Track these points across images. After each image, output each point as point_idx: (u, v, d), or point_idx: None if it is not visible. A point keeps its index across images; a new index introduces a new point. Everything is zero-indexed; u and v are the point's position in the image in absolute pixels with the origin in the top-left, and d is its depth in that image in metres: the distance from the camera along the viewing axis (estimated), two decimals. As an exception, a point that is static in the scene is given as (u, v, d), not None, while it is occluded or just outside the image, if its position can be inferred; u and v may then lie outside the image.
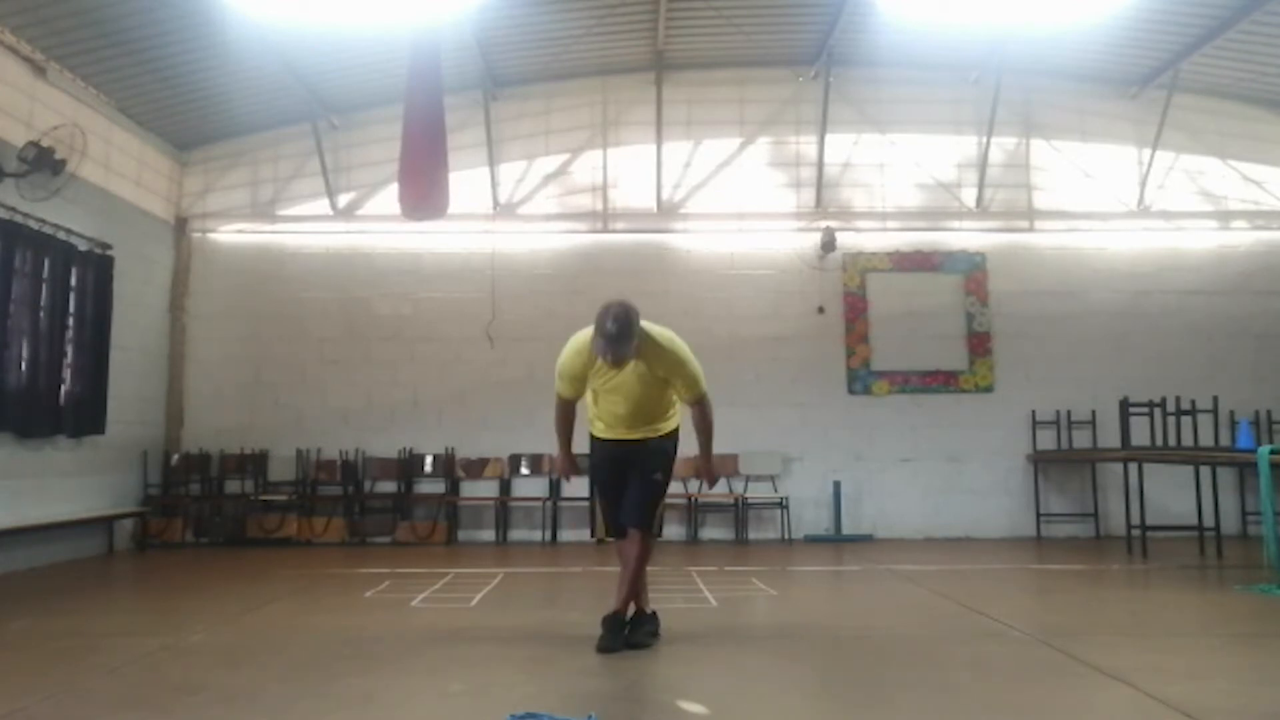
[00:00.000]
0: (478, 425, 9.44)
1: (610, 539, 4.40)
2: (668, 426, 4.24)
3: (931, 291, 9.71)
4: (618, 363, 3.92)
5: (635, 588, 4.16)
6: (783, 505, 9.07)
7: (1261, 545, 6.24)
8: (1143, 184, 9.84)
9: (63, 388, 7.67)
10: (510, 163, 9.85)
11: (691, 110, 9.88)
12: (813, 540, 9.13)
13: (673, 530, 9.21)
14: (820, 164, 9.72)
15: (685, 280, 9.62)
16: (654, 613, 4.30)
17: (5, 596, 5.89)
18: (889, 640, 4.32)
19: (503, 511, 9.30)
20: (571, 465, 4.43)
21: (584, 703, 3.09)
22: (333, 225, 9.77)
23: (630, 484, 4.17)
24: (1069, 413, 9.41)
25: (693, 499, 9.11)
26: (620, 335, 3.83)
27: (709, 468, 4.34)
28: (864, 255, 9.76)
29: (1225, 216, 9.92)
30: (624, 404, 4.13)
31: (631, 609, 4.18)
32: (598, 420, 4.30)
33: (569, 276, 9.61)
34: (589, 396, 4.28)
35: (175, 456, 9.24)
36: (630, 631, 4.08)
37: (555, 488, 9.31)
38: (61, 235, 7.64)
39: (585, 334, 4.04)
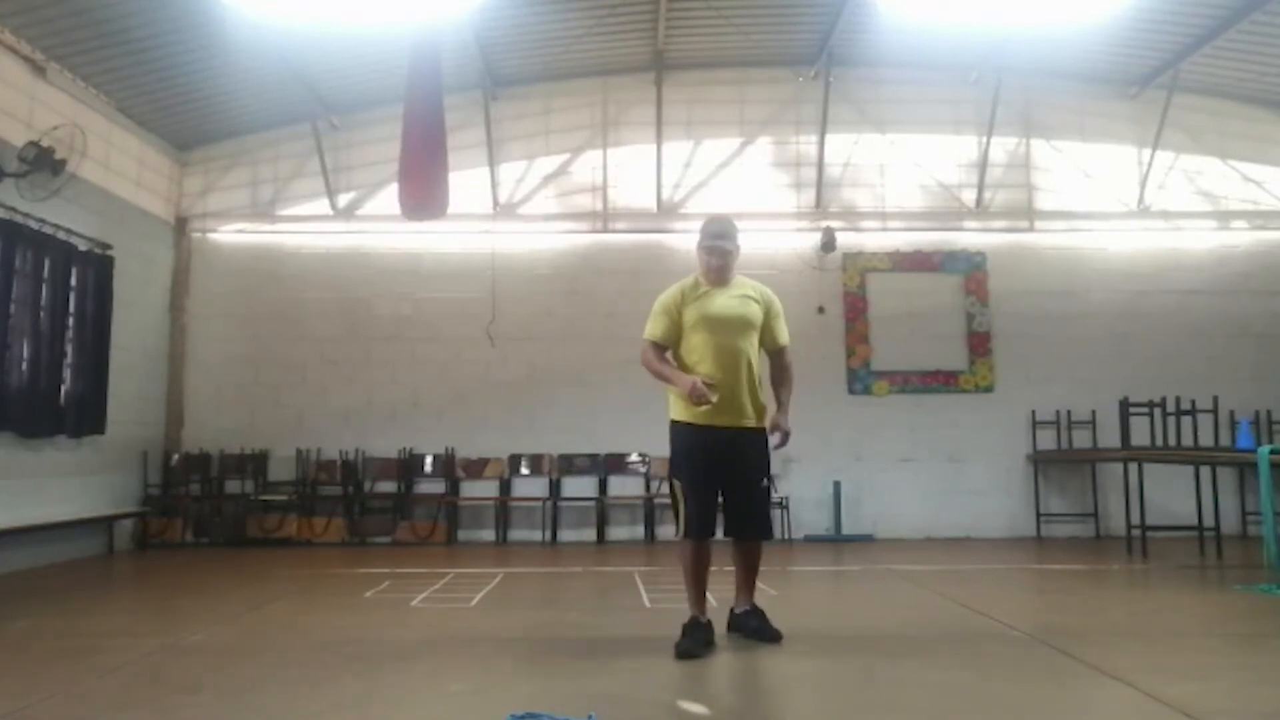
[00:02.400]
0: (478, 425, 9.44)
1: (694, 539, 4.05)
2: (761, 415, 4.14)
3: (931, 291, 9.71)
4: (721, 265, 4.04)
5: (755, 579, 4.26)
6: (783, 505, 9.06)
7: (1261, 545, 6.24)
8: (1143, 184, 9.84)
9: (63, 388, 7.67)
10: (510, 163, 9.85)
11: (691, 110, 9.88)
12: (813, 540, 9.13)
13: (671, 529, 9.20)
14: (820, 164, 9.72)
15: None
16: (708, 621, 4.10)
17: (5, 596, 5.89)
18: (889, 640, 4.32)
19: (503, 511, 9.30)
20: (700, 381, 3.87)
21: (584, 703, 3.09)
22: (333, 225, 9.77)
23: (741, 494, 4.07)
24: (1069, 413, 9.41)
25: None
26: (725, 230, 4.08)
27: (786, 421, 4.21)
28: (864, 255, 9.76)
29: (1225, 216, 9.93)
30: (727, 337, 4.00)
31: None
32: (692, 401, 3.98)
33: (569, 276, 9.61)
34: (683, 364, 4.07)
35: (175, 456, 9.24)
36: (688, 639, 3.95)
37: (555, 488, 9.31)
38: (61, 235, 7.64)
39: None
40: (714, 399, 3.87)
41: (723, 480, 4.06)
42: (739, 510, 4.09)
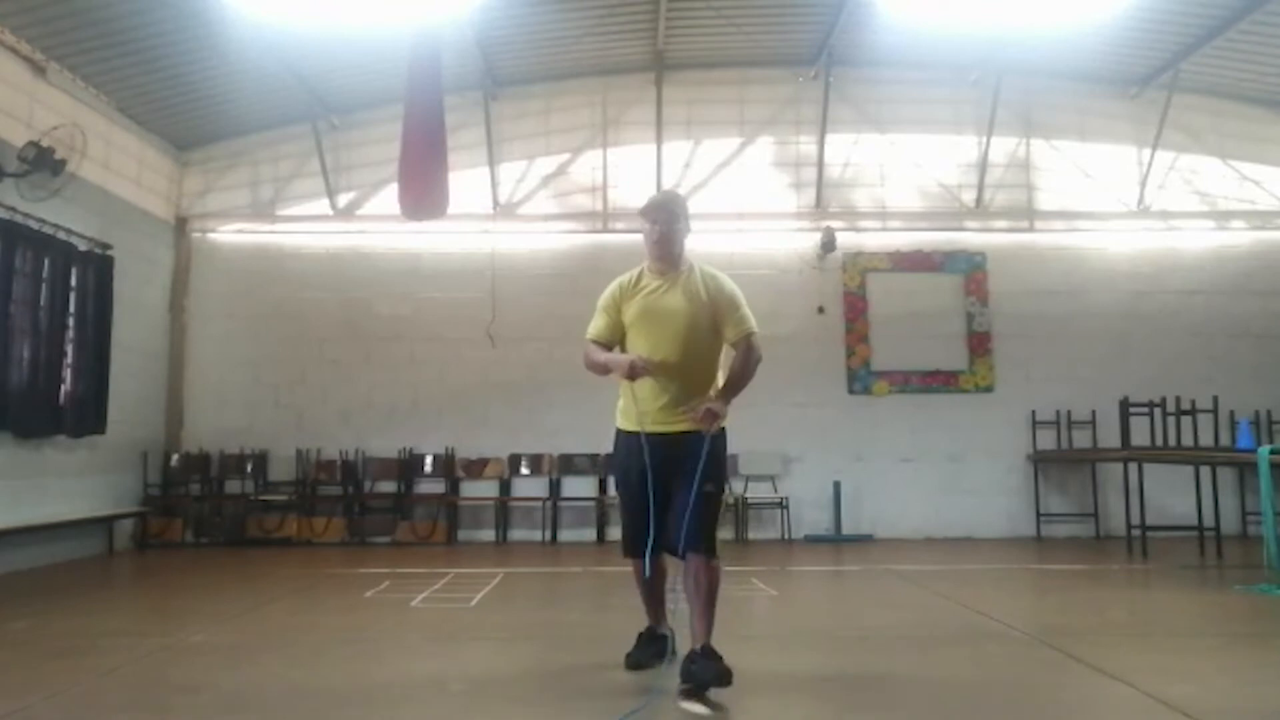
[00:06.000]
0: (478, 425, 9.44)
1: (631, 557, 3.67)
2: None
3: (931, 291, 9.71)
4: (664, 234, 3.57)
5: (713, 615, 3.47)
6: (783, 505, 9.07)
7: (1261, 545, 6.24)
8: (1143, 184, 9.84)
9: (63, 388, 7.67)
10: (510, 163, 9.85)
11: (691, 110, 9.88)
12: (813, 540, 9.13)
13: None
14: (820, 164, 9.72)
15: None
16: (668, 634, 3.75)
17: (5, 596, 5.89)
18: (889, 640, 4.32)
19: (503, 511, 9.30)
20: (634, 361, 3.49)
21: (584, 703, 3.09)
22: (333, 225, 9.77)
23: (675, 496, 3.50)
24: (1069, 413, 9.40)
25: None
26: (669, 199, 3.72)
27: (717, 403, 3.46)
28: (864, 255, 9.76)
29: (1224, 216, 9.92)
30: (669, 338, 3.53)
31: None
32: (631, 406, 3.63)
33: (569, 276, 9.59)
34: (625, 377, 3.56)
35: (175, 456, 9.23)
36: (638, 649, 3.78)
37: (555, 487, 9.31)
38: (61, 235, 7.63)
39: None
40: (653, 369, 3.49)
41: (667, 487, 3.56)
42: (675, 521, 3.47)
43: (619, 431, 3.74)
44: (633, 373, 3.46)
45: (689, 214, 3.73)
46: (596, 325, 3.72)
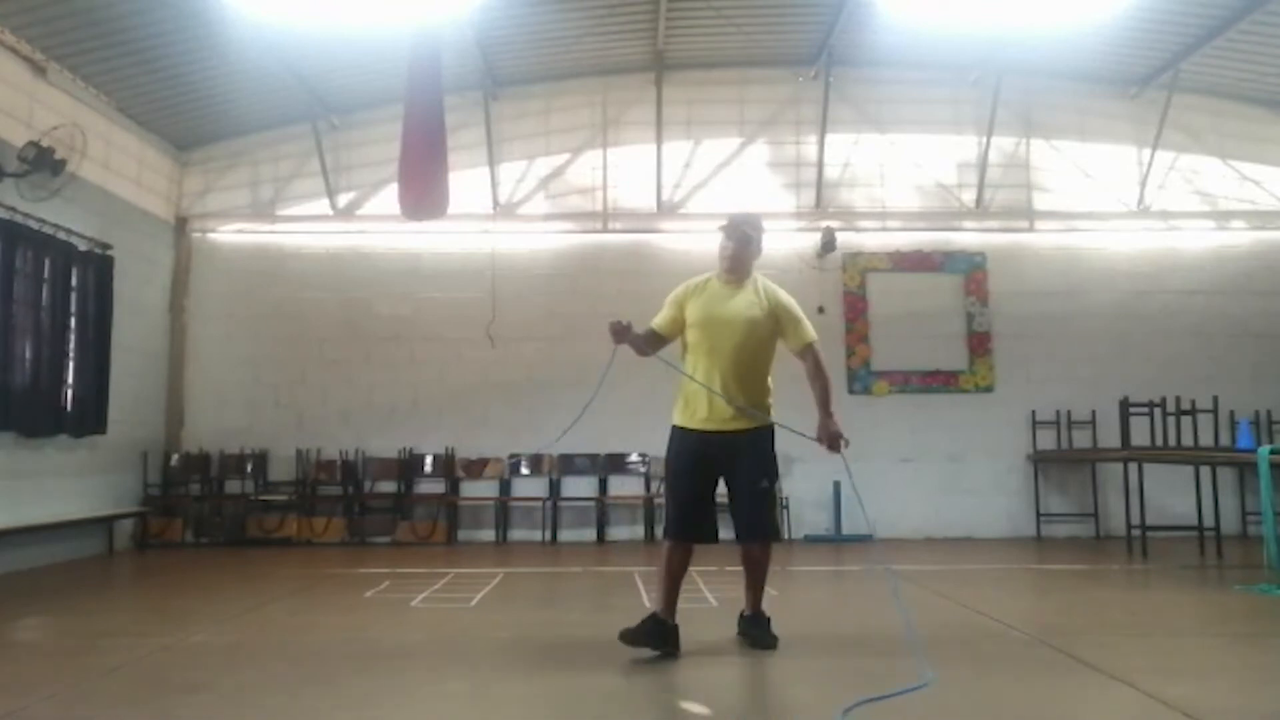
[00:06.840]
0: (478, 425, 9.43)
1: (672, 540, 4.02)
2: (764, 415, 4.04)
3: (931, 291, 9.70)
4: (736, 251, 4.00)
5: (763, 587, 4.18)
6: (783, 505, 9.06)
7: (1261, 545, 6.24)
8: (1142, 184, 9.84)
9: (64, 388, 7.67)
10: (510, 163, 9.84)
11: (691, 110, 9.88)
12: (813, 540, 9.13)
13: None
14: (820, 164, 9.72)
15: (685, 281, 9.60)
16: (676, 625, 4.00)
17: (5, 596, 5.89)
18: (889, 640, 4.32)
19: (503, 511, 9.30)
20: (624, 331, 3.90)
21: (583, 703, 3.09)
22: (333, 225, 9.77)
23: (736, 497, 4.03)
24: (1069, 413, 9.41)
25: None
26: (747, 220, 4.10)
27: (829, 426, 4.07)
28: (864, 255, 9.76)
29: (1225, 216, 9.92)
30: (726, 341, 3.94)
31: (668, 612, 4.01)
32: (687, 406, 4.03)
33: (569, 276, 9.60)
34: (686, 370, 4.03)
35: (175, 456, 9.23)
36: (640, 627, 3.87)
37: (555, 488, 9.31)
38: (61, 235, 7.64)
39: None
40: (622, 335, 3.88)
41: (716, 483, 4.05)
42: (735, 512, 4.05)
43: (675, 428, 4.06)
44: (614, 330, 3.85)
45: (762, 237, 4.20)
46: (659, 316, 4.16)
